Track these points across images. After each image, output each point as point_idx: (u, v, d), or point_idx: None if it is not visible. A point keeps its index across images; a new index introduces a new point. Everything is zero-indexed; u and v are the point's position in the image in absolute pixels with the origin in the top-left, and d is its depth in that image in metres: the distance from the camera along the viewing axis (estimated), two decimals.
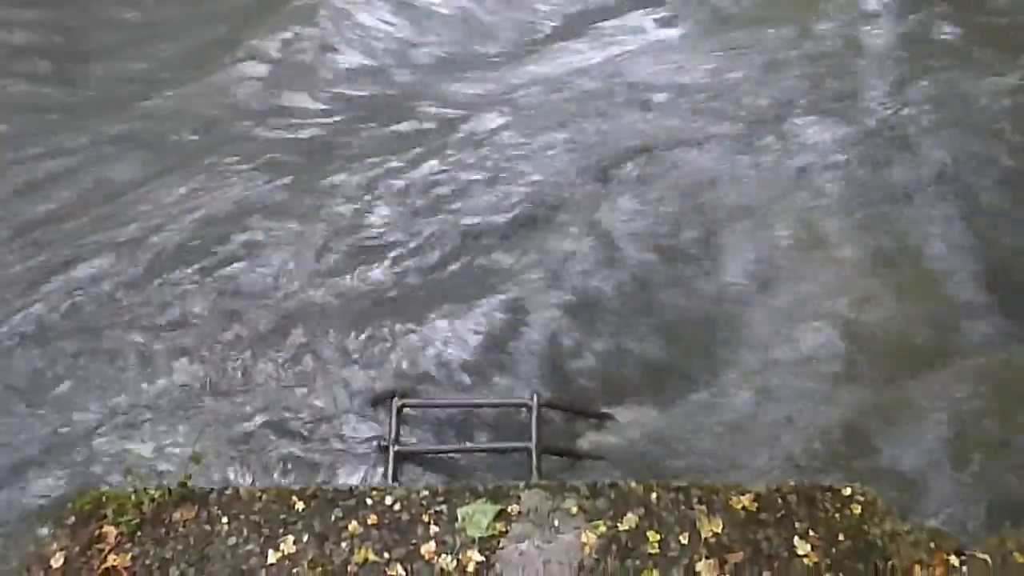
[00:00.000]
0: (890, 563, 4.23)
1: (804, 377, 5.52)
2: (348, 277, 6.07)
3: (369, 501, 4.57)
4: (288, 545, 4.41)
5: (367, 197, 6.75)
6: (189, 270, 6.13)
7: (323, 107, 8.11)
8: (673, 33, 8.70)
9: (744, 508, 4.44)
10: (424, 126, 7.68)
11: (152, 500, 4.53)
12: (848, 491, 4.51)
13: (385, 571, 4.29)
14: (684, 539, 4.34)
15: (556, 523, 4.43)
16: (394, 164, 7.08)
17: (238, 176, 7.01)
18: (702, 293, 6.07)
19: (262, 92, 8.20)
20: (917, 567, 4.23)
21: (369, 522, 4.48)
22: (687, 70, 8.10)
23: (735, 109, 7.49)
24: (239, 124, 7.79)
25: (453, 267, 6.20)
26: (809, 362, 5.61)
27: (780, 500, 4.49)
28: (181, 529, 4.49)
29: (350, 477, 5.03)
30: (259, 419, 5.29)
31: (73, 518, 4.54)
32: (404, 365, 5.49)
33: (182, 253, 6.29)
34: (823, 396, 5.41)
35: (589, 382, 5.54)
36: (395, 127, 7.72)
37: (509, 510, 4.48)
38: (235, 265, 6.20)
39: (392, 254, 6.26)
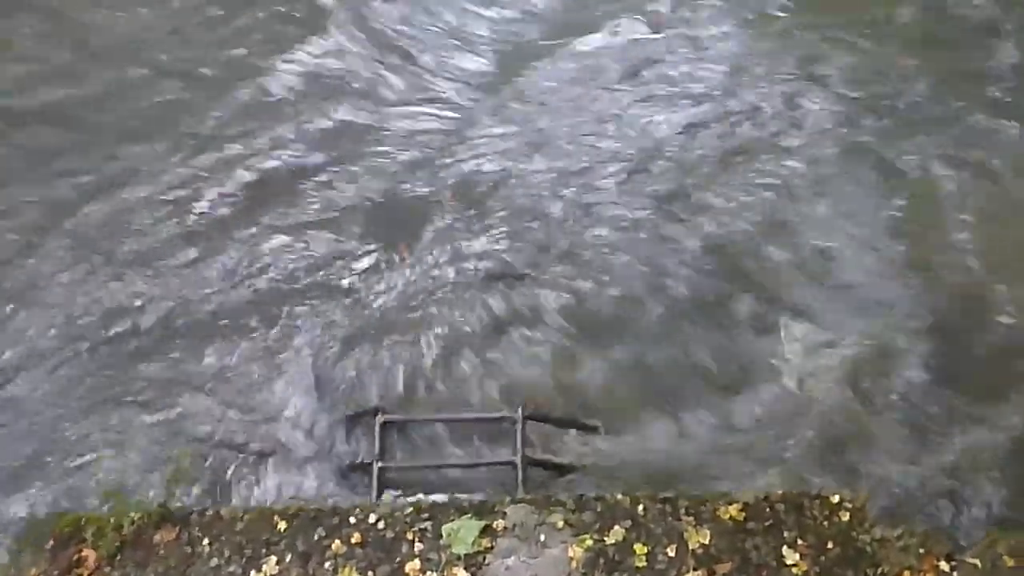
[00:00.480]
0: (880, 570, 4.20)
1: None
2: None
3: (352, 519, 4.52)
4: (271, 566, 4.36)
5: None
6: None
7: None
8: None
9: (731, 518, 4.40)
10: None
11: (132, 522, 4.48)
12: (836, 498, 4.48)
13: None
14: (671, 551, 4.29)
15: (542, 538, 4.38)
16: None
17: None
18: None
19: None
20: (907, 573, 4.19)
21: (353, 541, 4.42)
22: None
23: None
24: None
25: None
26: None
27: (768, 509, 4.45)
28: (162, 551, 4.43)
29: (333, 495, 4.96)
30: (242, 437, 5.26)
31: (52, 541, 4.49)
32: None
33: None
34: None
35: None
36: None
37: (494, 525, 4.43)
38: None
39: None
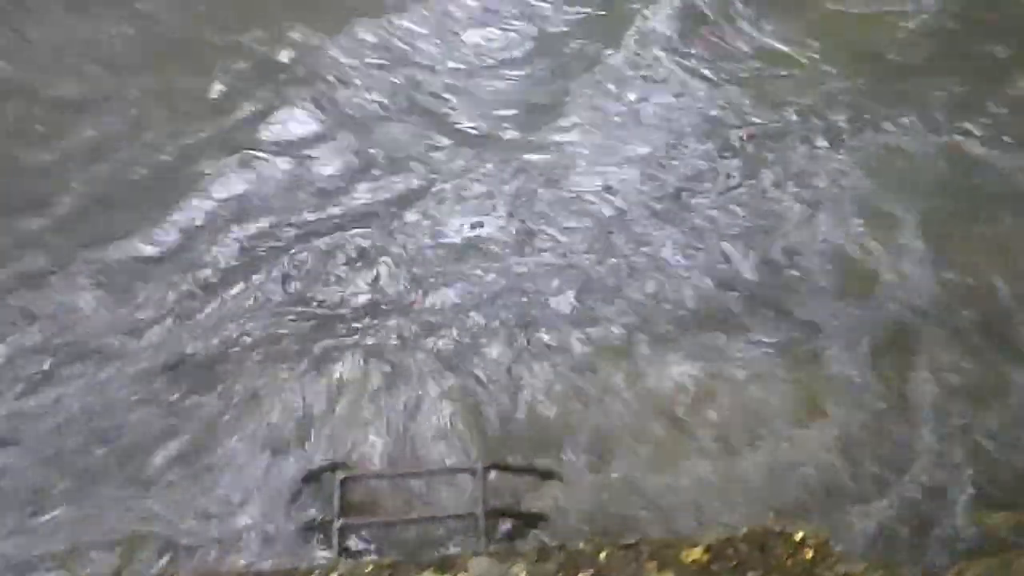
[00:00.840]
0: None
1: None
2: None
3: None
4: None
5: None
6: None
7: None
8: None
9: (695, 561, 4.34)
10: None
11: None
12: (800, 535, 4.44)
13: None
14: None
15: None
16: None
17: None
18: None
19: None
20: None
21: None
22: None
23: None
24: None
25: None
26: None
27: (732, 550, 4.40)
28: None
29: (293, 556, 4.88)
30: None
31: None
32: None
33: None
34: None
35: None
36: None
37: None
38: None
39: None
